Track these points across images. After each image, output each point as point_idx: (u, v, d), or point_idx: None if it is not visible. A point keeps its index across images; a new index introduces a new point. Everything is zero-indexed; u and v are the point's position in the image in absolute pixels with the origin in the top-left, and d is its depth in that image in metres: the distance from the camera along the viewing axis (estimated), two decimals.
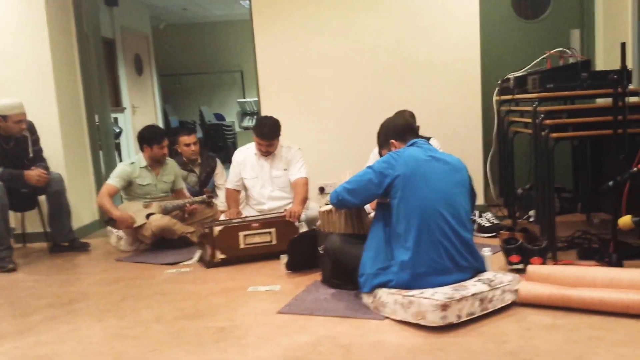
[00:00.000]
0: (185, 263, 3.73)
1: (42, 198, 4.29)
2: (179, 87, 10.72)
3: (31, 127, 4.17)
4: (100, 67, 5.32)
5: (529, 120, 3.40)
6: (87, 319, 2.78)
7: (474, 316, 2.40)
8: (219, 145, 9.66)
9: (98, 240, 4.56)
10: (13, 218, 4.40)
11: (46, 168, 4.17)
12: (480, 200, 4.45)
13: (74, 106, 4.86)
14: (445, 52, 4.55)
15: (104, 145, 5.33)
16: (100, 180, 5.01)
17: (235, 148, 4.29)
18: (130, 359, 2.26)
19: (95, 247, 4.36)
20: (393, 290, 2.50)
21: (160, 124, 8.36)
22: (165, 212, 4.15)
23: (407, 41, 4.61)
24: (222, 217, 4.07)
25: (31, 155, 4.15)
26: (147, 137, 4.22)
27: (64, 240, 4.28)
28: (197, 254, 3.79)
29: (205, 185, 4.85)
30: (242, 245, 3.60)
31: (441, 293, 2.38)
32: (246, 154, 4.07)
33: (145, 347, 2.36)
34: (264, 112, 4.70)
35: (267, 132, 3.87)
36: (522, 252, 3.02)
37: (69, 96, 4.77)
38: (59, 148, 4.58)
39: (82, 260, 4.05)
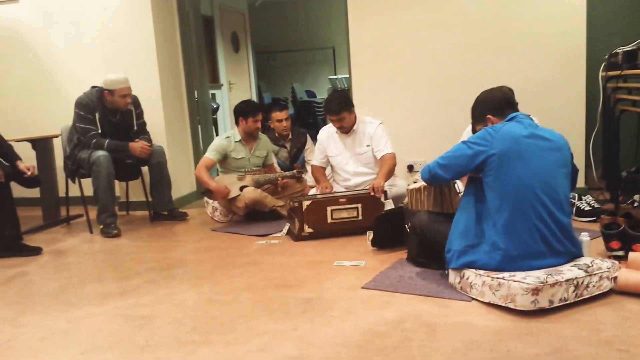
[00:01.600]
0: (274, 235, 3.84)
1: (145, 169, 4.52)
2: (273, 64, 10.91)
3: (136, 101, 4.39)
4: (199, 45, 5.51)
5: (638, 97, 3.17)
6: (183, 283, 2.95)
7: (567, 302, 2.30)
8: (309, 121, 9.77)
9: (195, 211, 4.78)
10: (118, 187, 4.69)
11: (149, 141, 4.38)
12: (580, 182, 4.22)
13: (175, 82, 5.09)
14: (548, 24, 4.30)
15: (202, 120, 5.54)
16: (198, 153, 5.24)
17: (325, 124, 4.32)
18: (222, 324, 2.36)
19: (192, 216, 4.59)
20: (481, 272, 2.44)
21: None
22: (258, 185, 4.27)
23: (506, 12, 4.39)
24: (312, 191, 4.14)
25: (135, 128, 4.38)
26: (244, 110, 4.35)
27: (163, 209, 4.52)
28: (286, 227, 3.89)
29: (295, 161, 4.94)
30: (329, 220, 3.65)
31: (533, 277, 2.29)
32: (329, 132, 4.10)
33: (236, 313, 2.47)
34: (355, 88, 4.69)
35: (334, 107, 3.86)
36: (623, 238, 2.85)
37: (170, 72, 5.00)
38: (161, 122, 4.82)
39: (180, 229, 4.27)
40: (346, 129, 3.97)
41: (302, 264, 3.16)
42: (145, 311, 2.57)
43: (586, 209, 3.74)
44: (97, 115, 4.16)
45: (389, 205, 3.71)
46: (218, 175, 4.49)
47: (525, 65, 4.37)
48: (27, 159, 3.96)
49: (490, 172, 2.44)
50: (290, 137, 4.97)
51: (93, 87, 4.26)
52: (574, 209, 3.72)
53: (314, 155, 4.24)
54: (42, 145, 4.60)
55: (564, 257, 2.46)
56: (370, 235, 3.37)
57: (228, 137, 4.40)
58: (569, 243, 2.47)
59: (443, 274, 2.73)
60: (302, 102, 10.22)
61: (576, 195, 3.77)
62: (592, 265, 2.41)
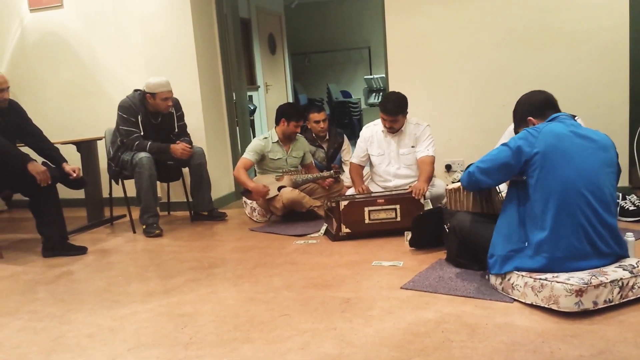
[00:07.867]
0: (312, 235, 3.86)
1: (186, 170, 4.59)
2: (309, 65, 10.97)
3: (177, 104, 4.47)
4: (237, 47, 5.57)
5: None
6: (224, 282, 2.99)
7: (612, 304, 2.26)
8: (345, 122, 9.79)
9: (234, 211, 4.85)
10: (160, 188, 4.79)
11: (190, 142, 4.44)
12: (624, 181, 4.12)
13: (214, 84, 5.16)
14: (590, 20, 4.21)
15: (240, 121, 5.62)
16: (236, 154, 5.31)
17: (361, 125, 4.33)
18: (262, 322, 2.40)
19: (232, 217, 4.65)
20: (524, 272, 2.41)
21: None
22: (295, 185, 4.31)
23: (546, 8, 4.32)
24: (349, 192, 4.15)
25: (176, 130, 4.46)
26: (288, 112, 4.37)
27: (204, 210, 4.59)
28: (324, 227, 3.91)
29: (332, 161, 4.96)
30: (367, 221, 3.65)
31: (577, 278, 2.26)
32: (373, 130, 4.08)
33: (276, 312, 2.50)
34: (392, 88, 4.68)
35: (391, 108, 3.84)
36: None
37: (209, 75, 5.08)
38: (201, 124, 4.90)
39: (220, 229, 4.34)
40: (395, 130, 3.96)
41: (340, 263, 3.17)
42: (188, 309, 2.62)
43: (630, 208, 3.66)
44: (139, 117, 4.25)
45: (428, 205, 3.69)
46: (256, 176, 4.54)
47: (566, 62, 4.29)
48: (72, 161, 4.07)
49: (534, 173, 2.40)
50: (327, 137, 4.99)
51: (135, 90, 4.35)
52: (619, 208, 3.63)
53: (354, 152, 4.23)
54: (86, 148, 4.74)
55: (609, 259, 2.41)
56: (408, 235, 3.36)
57: (265, 138, 4.44)
58: (615, 244, 2.42)
59: (484, 275, 2.71)
60: (337, 102, 10.25)
61: (620, 194, 3.69)
62: (638, 266, 2.36)
